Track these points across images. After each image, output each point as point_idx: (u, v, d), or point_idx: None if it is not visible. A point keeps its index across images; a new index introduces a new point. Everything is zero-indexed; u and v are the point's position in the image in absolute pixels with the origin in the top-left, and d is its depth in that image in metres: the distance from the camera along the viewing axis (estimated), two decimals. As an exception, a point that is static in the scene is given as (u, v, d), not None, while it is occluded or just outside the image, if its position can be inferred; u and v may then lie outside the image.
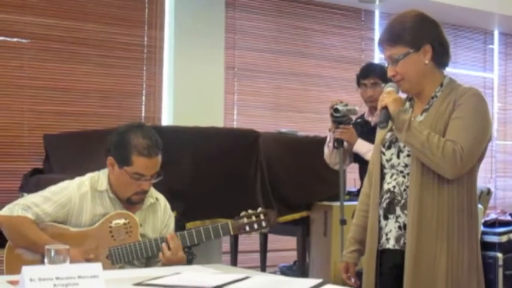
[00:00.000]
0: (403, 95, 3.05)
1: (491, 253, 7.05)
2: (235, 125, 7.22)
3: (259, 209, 3.47)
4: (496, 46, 9.36)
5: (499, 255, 7.02)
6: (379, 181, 2.98)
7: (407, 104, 3.05)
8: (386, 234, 2.93)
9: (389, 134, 2.99)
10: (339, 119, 4.46)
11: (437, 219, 2.81)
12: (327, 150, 4.70)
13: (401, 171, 2.91)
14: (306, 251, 5.68)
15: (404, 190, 2.88)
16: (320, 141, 5.67)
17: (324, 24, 7.92)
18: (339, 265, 3.21)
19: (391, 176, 2.95)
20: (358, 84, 4.68)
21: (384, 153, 2.99)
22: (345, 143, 4.49)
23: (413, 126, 2.78)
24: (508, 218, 7.42)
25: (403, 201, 2.89)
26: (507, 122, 9.44)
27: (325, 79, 7.90)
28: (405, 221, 2.86)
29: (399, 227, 2.90)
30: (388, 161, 2.96)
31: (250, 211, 3.43)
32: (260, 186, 5.26)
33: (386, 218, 2.94)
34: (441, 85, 2.96)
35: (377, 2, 7.79)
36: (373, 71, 4.61)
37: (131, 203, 3.37)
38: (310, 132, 6.62)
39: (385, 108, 2.85)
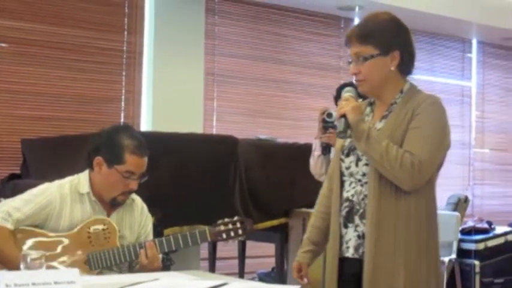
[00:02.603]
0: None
1: (469, 260, 7.08)
2: (214, 131, 7.22)
3: (236, 217, 3.48)
4: (474, 55, 9.42)
5: (476, 262, 7.05)
6: (339, 189, 2.95)
7: (368, 108, 3.03)
8: (347, 243, 2.91)
9: (348, 140, 2.95)
10: (331, 124, 4.46)
11: (395, 229, 2.78)
12: (312, 161, 4.71)
13: (360, 180, 2.88)
14: (285, 258, 5.68)
15: (363, 199, 2.86)
16: (299, 148, 5.71)
17: (303, 31, 7.94)
18: (294, 264, 3.18)
19: (350, 184, 2.92)
20: (336, 102, 4.69)
21: (343, 161, 2.95)
22: (332, 149, 4.49)
23: (372, 137, 2.75)
24: (485, 225, 7.45)
25: (361, 210, 2.86)
26: (485, 130, 9.50)
27: (304, 86, 7.91)
28: (364, 230, 2.84)
29: (358, 236, 2.87)
30: (347, 168, 2.93)
31: (227, 219, 3.44)
32: (239, 192, 5.26)
33: (346, 226, 2.92)
34: (401, 91, 2.93)
35: (356, 10, 7.83)
36: None
37: (116, 203, 3.38)
38: (289, 138, 6.63)
39: (344, 116, 2.80)
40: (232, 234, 3.42)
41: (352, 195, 2.90)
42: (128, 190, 3.35)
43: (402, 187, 2.77)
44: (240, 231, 3.43)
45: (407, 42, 2.95)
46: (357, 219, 2.88)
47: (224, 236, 3.41)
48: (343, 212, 2.92)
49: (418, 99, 2.87)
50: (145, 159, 3.36)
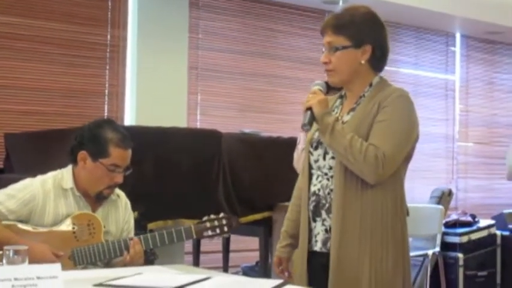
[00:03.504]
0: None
1: (452, 253, 7.12)
2: (198, 125, 7.20)
3: (222, 214, 3.51)
4: (457, 48, 9.44)
5: (460, 255, 7.10)
6: (308, 182, 2.97)
7: (338, 101, 3.05)
8: (315, 237, 2.93)
9: (317, 133, 2.96)
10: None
11: (361, 221, 2.80)
12: (296, 154, 4.72)
13: (326, 174, 2.90)
14: (269, 252, 5.69)
15: (329, 194, 2.87)
16: (284, 142, 5.71)
17: (288, 25, 7.93)
18: (274, 259, 3.20)
19: (317, 178, 2.93)
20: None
21: (311, 154, 2.97)
22: None
23: (336, 130, 2.76)
24: (469, 218, 7.49)
25: (327, 204, 2.88)
26: (468, 123, 9.53)
27: (289, 80, 7.90)
28: (331, 225, 2.86)
29: (326, 230, 2.89)
30: (315, 161, 2.95)
31: (212, 216, 3.48)
32: (222, 186, 5.26)
33: (314, 220, 2.93)
34: (370, 85, 2.95)
35: (340, 3, 7.82)
36: None
37: (101, 197, 3.40)
38: (275, 133, 6.62)
39: (310, 109, 2.82)
40: (217, 231, 3.47)
41: (319, 190, 2.91)
42: (113, 183, 3.38)
43: (366, 180, 2.79)
44: (225, 228, 3.48)
45: (381, 38, 2.96)
46: (323, 214, 2.90)
47: (209, 232, 3.45)
48: (311, 206, 2.94)
49: (385, 92, 2.89)
50: (130, 151, 3.40)
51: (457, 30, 9.29)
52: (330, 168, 2.88)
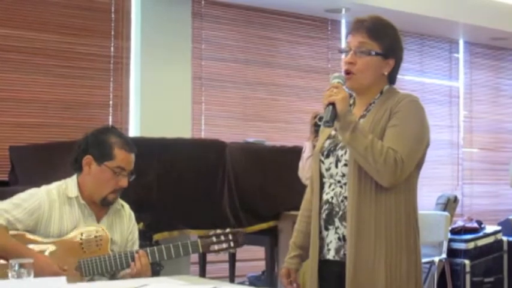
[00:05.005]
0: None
1: (459, 260, 7.11)
2: (202, 135, 7.20)
3: (228, 230, 3.54)
4: (461, 55, 9.44)
5: (466, 262, 7.08)
6: (319, 191, 2.95)
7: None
8: (328, 245, 2.91)
9: (328, 141, 2.95)
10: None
11: (375, 228, 2.79)
12: (301, 163, 4.73)
13: (339, 181, 2.88)
14: (275, 261, 5.68)
15: (342, 201, 2.86)
16: (288, 151, 5.72)
17: (290, 34, 7.94)
18: (282, 271, 3.17)
19: (329, 186, 2.92)
20: None
21: (322, 162, 2.95)
22: None
23: (358, 129, 2.74)
24: (475, 225, 7.48)
25: (341, 212, 2.86)
26: (473, 130, 9.52)
27: (292, 89, 7.90)
28: (344, 233, 2.84)
29: (339, 238, 2.88)
30: (327, 170, 2.93)
31: (219, 230, 3.49)
32: (227, 196, 5.26)
33: (326, 228, 2.92)
34: (381, 92, 2.95)
35: (343, 12, 7.84)
36: None
37: (106, 203, 3.42)
38: (278, 141, 6.63)
39: (332, 104, 2.74)
40: (224, 246, 3.49)
41: (332, 197, 2.90)
42: (118, 187, 3.40)
43: (381, 182, 2.77)
44: (231, 244, 3.49)
45: (401, 55, 2.98)
46: (337, 222, 2.88)
47: (216, 247, 3.47)
48: (323, 215, 2.92)
49: (396, 98, 2.89)
50: (133, 156, 3.44)
51: (460, 37, 9.29)
52: (343, 175, 2.87)
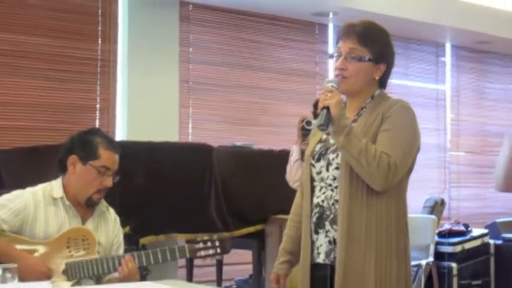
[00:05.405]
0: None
1: (446, 263, 7.13)
2: (190, 139, 7.19)
3: (216, 236, 3.54)
4: (448, 58, 9.48)
5: (454, 265, 7.10)
6: (310, 194, 2.95)
7: None
8: (318, 249, 2.91)
9: (319, 145, 2.97)
10: (310, 132, 4.51)
11: (366, 231, 2.80)
12: (289, 166, 4.74)
13: (330, 185, 2.89)
14: (262, 265, 5.68)
15: (333, 204, 2.86)
16: (275, 155, 5.71)
17: (278, 37, 7.95)
18: (271, 276, 3.16)
19: (320, 190, 2.92)
20: (315, 116, 4.74)
21: (313, 166, 2.95)
22: None
23: (352, 133, 2.75)
24: (462, 228, 7.50)
25: (331, 215, 2.86)
26: (460, 133, 9.55)
27: (280, 92, 7.91)
28: (334, 236, 2.84)
29: (329, 242, 2.87)
30: (318, 173, 2.93)
31: (206, 236, 3.49)
32: (214, 200, 5.25)
33: (317, 232, 2.92)
34: (372, 97, 2.96)
35: (330, 16, 7.86)
36: None
37: (91, 203, 3.42)
38: (266, 145, 6.62)
39: (327, 108, 2.75)
40: (210, 252, 3.48)
41: (323, 201, 2.90)
42: (103, 187, 3.41)
43: (374, 186, 2.78)
44: (218, 250, 3.49)
45: (392, 60, 3.02)
46: (327, 225, 2.88)
47: (203, 253, 3.47)
48: (314, 218, 2.92)
49: (387, 103, 2.90)
50: (118, 156, 3.45)
51: (447, 41, 9.33)
52: (334, 178, 2.87)
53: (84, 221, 3.43)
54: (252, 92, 7.73)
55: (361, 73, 2.90)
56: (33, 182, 3.58)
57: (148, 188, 4.88)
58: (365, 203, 2.80)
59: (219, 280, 6.30)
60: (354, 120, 2.92)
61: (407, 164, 2.85)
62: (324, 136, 2.97)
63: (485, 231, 7.65)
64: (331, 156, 2.89)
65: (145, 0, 6.82)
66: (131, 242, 3.71)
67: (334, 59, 2.95)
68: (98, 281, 3.38)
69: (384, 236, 2.81)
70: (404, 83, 8.86)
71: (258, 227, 5.57)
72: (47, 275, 3.19)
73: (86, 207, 3.43)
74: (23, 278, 2.63)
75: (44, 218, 3.34)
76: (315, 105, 4.81)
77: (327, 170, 2.90)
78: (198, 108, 7.34)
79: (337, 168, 2.86)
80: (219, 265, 6.31)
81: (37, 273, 3.14)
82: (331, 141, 2.91)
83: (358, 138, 2.75)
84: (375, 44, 2.91)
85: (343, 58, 2.90)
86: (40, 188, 3.44)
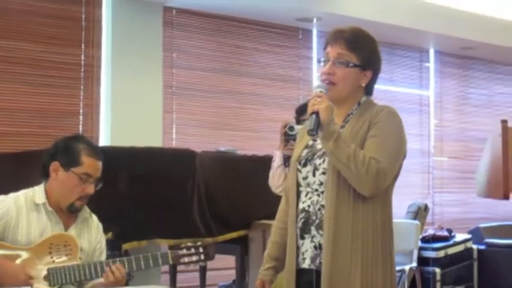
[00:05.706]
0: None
1: (430, 268, 7.15)
2: (174, 144, 7.19)
3: (199, 242, 3.54)
4: (431, 64, 9.52)
5: (437, 270, 7.12)
6: (296, 200, 2.95)
7: None
8: (303, 254, 2.91)
9: (305, 151, 2.97)
10: (292, 137, 4.54)
11: (352, 236, 2.80)
12: (271, 172, 4.74)
13: (316, 190, 2.89)
14: (245, 270, 5.68)
15: (319, 209, 2.86)
16: (259, 160, 5.71)
17: (261, 43, 7.96)
18: (256, 282, 3.15)
19: (306, 195, 2.92)
20: (298, 122, 4.75)
21: (300, 171, 2.95)
22: None
23: (341, 138, 2.75)
24: (445, 233, 7.52)
25: (317, 221, 2.86)
26: (443, 138, 9.59)
27: (263, 97, 7.92)
28: (320, 241, 2.84)
29: (315, 247, 2.87)
30: (304, 179, 2.93)
31: (190, 243, 3.50)
32: (197, 205, 5.25)
33: (302, 237, 2.91)
34: (358, 104, 2.97)
35: (314, 21, 7.87)
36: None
37: (73, 210, 3.41)
38: (250, 150, 6.62)
39: (315, 113, 2.75)
40: (194, 258, 3.49)
41: (308, 206, 2.90)
42: (84, 194, 3.41)
43: (362, 192, 2.78)
44: (201, 256, 3.49)
45: (379, 67, 3.03)
46: (313, 230, 2.88)
47: (186, 260, 3.47)
48: (299, 223, 2.92)
49: (374, 110, 2.91)
50: (101, 164, 3.45)
51: (430, 46, 9.37)
52: (321, 184, 2.87)
53: (66, 227, 3.42)
54: (236, 98, 7.73)
55: (348, 79, 2.91)
56: (15, 188, 3.57)
57: (131, 193, 4.87)
58: (351, 208, 2.80)
59: (203, 285, 6.29)
60: (341, 127, 2.92)
61: (395, 169, 2.86)
62: (311, 142, 2.98)
63: (469, 236, 7.68)
64: (317, 161, 2.90)
65: (129, 6, 6.81)
66: (114, 248, 3.70)
67: (322, 64, 2.96)
68: (80, 286, 3.37)
69: (370, 241, 2.82)
70: (388, 88, 8.89)
71: (241, 232, 5.56)
72: (26, 283, 3.18)
73: (68, 213, 3.42)
74: (3, 286, 2.62)
75: (26, 224, 3.34)
76: (298, 111, 4.83)
77: (314, 175, 2.90)
78: (182, 114, 7.34)
79: (323, 173, 2.86)
80: (203, 270, 6.30)
81: (17, 281, 3.13)
82: (318, 146, 2.92)
83: (347, 144, 2.75)
84: (362, 50, 2.93)
85: (331, 63, 2.91)
86: (22, 193, 3.43)
